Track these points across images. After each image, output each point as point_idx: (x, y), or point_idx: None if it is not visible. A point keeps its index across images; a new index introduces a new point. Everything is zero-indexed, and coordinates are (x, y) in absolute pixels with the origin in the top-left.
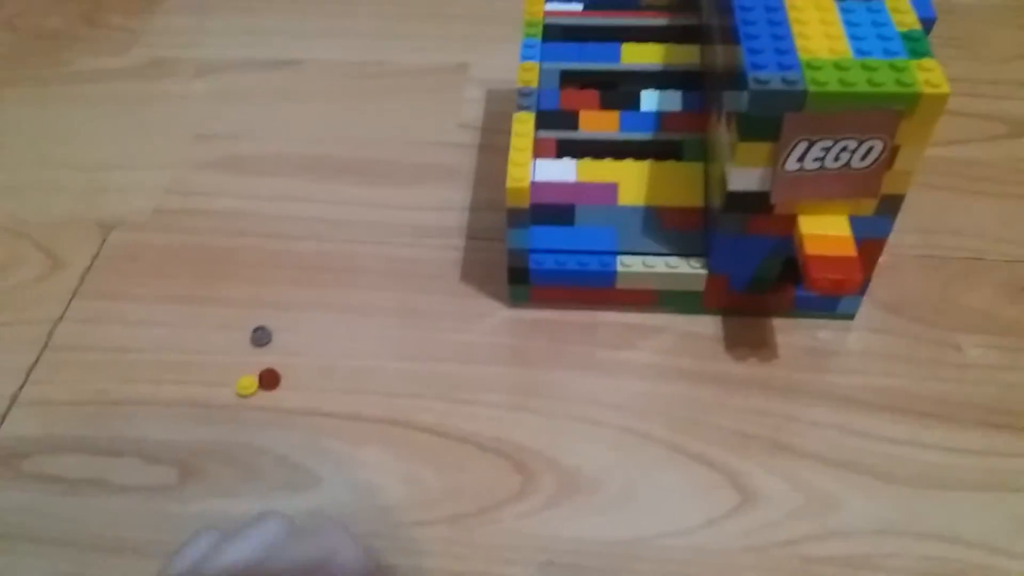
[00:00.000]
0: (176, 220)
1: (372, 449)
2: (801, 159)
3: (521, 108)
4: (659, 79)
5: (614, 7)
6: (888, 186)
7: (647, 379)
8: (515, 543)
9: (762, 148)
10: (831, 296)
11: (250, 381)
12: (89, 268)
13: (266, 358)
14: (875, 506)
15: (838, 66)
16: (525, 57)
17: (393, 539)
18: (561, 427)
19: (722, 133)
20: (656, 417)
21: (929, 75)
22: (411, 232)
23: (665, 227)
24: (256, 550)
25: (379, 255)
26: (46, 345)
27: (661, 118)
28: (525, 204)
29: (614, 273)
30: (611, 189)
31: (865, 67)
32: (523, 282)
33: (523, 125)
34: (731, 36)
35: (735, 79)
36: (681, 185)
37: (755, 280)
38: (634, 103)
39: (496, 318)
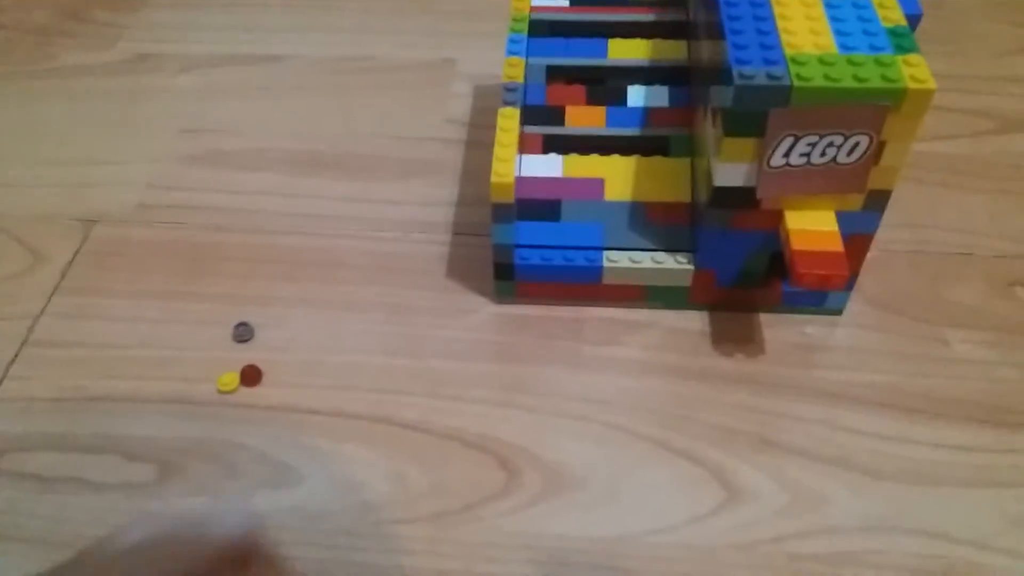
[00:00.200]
0: (159, 215)
1: (355, 446)
2: (787, 155)
3: (506, 103)
4: (646, 75)
5: (601, 3)
6: (875, 182)
7: (633, 375)
8: (499, 541)
9: (748, 144)
10: (818, 291)
11: (232, 377)
12: (71, 263)
13: (248, 354)
14: (862, 502)
15: (823, 61)
16: (511, 52)
17: (375, 537)
18: (546, 423)
19: (708, 129)
20: (642, 413)
21: (915, 70)
22: (396, 227)
23: (652, 222)
24: None
25: (364, 250)
26: (26, 340)
27: (648, 114)
28: (510, 199)
29: (600, 269)
30: (597, 184)
31: (850, 62)
32: (509, 278)
33: (508, 120)
34: (716, 31)
35: (720, 74)
36: (668, 181)
37: (742, 275)
38: (621, 99)
39: (482, 314)
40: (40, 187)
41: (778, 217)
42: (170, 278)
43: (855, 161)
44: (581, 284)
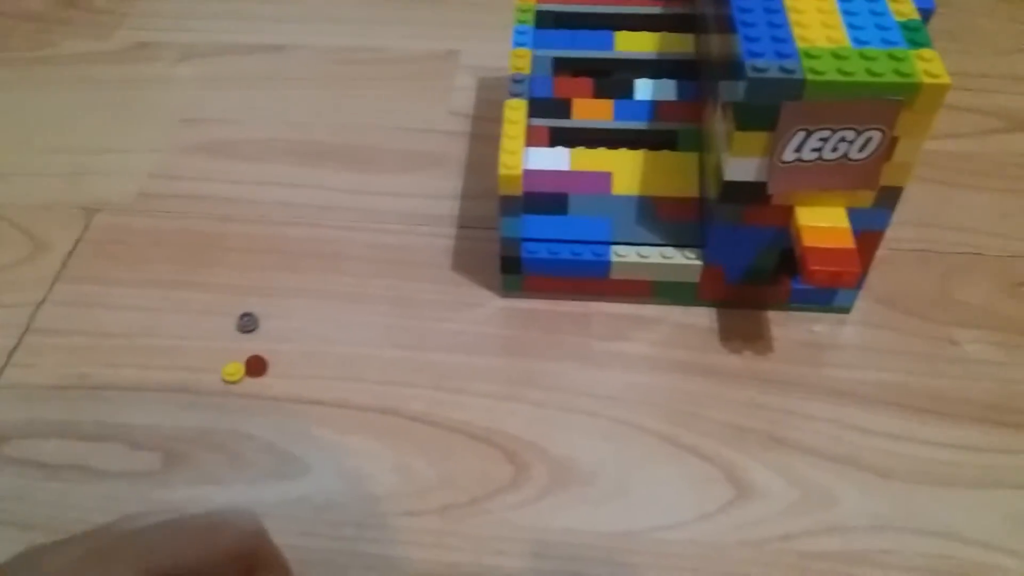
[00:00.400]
0: (161, 204)
1: (361, 437)
2: (798, 149)
3: (513, 95)
4: (653, 68)
5: None
6: (887, 178)
7: (641, 371)
8: (507, 534)
9: (759, 138)
10: (827, 289)
11: (236, 367)
12: (72, 252)
13: (253, 344)
14: (872, 502)
15: (836, 55)
16: (517, 43)
17: (383, 528)
18: (554, 418)
19: (718, 123)
20: (650, 409)
21: (928, 65)
22: (401, 219)
23: (660, 217)
24: None
25: (368, 242)
26: (27, 328)
27: (656, 107)
28: (517, 192)
29: (608, 263)
30: (605, 178)
31: (864, 56)
32: (515, 271)
33: (515, 112)
34: (727, 25)
35: (732, 68)
36: (676, 175)
37: (751, 272)
38: (628, 92)
39: (488, 308)
40: (41, 175)
41: (788, 213)
42: (173, 267)
43: (867, 157)
44: (588, 279)
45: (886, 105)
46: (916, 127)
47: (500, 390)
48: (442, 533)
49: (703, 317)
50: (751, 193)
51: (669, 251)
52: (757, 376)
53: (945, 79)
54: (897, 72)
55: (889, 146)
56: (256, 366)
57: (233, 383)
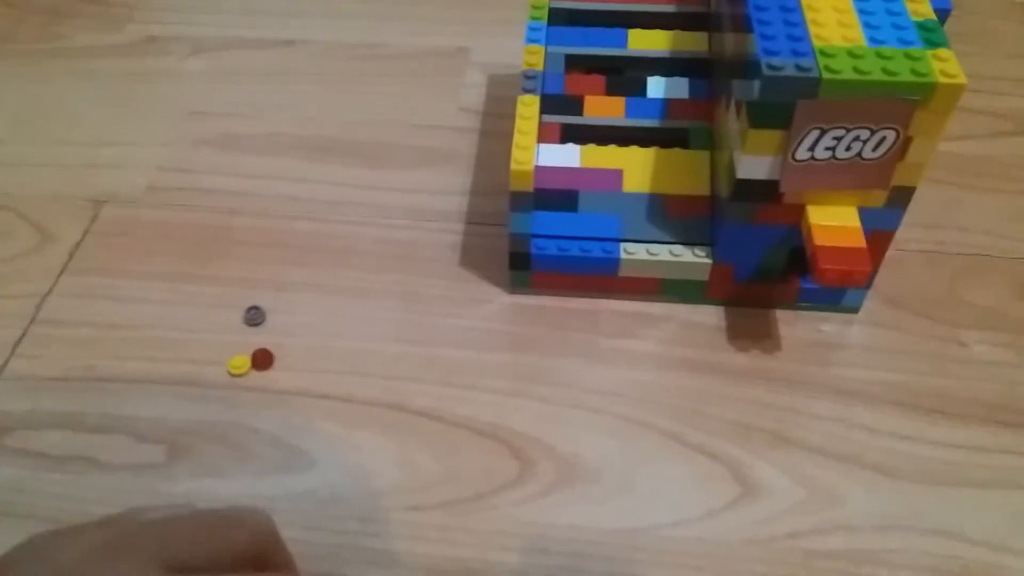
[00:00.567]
0: (169, 197)
1: (367, 432)
2: (812, 148)
3: (526, 91)
4: (666, 66)
5: None
6: (899, 178)
7: (648, 368)
8: (513, 530)
9: (773, 136)
10: (836, 288)
11: (243, 360)
12: (79, 243)
13: (259, 338)
14: (879, 501)
15: (852, 54)
16: (530, 40)
17: (388, 523)
18: (560, 414)
19: (731, 121)
20: (657, 407)
21: (945, 65)
22: (409, 215)
23: (670, 215)
24: None
25: (376, 237)
26: (33, 319)
27: (667, 105)
28: (529, 188)
29: (617, 260)
30: (616, 176)
31: (880, 56)
32: (524, 268)
33: (528, 108)
34: (743, 23)
35: (746, 66)
36: (687, 173)
37: (760, 270)
38: (640, 89)
39: (495, 304)
40: (49, 167)
41: (800, 212)
42: (180, 260)
43: (881, 156)
44: (597, 276)
45: (901, 104)
46: (931, 127)
47: (507, 386)
48: (446, 528)
49: (711, 315)
50: (763, 191)
51: (679, 249)
52: (764, 375)
53: (961, 79)
54: (913, 71)
55: (903, 146)
56: (262, 360)
57: (239, 376)
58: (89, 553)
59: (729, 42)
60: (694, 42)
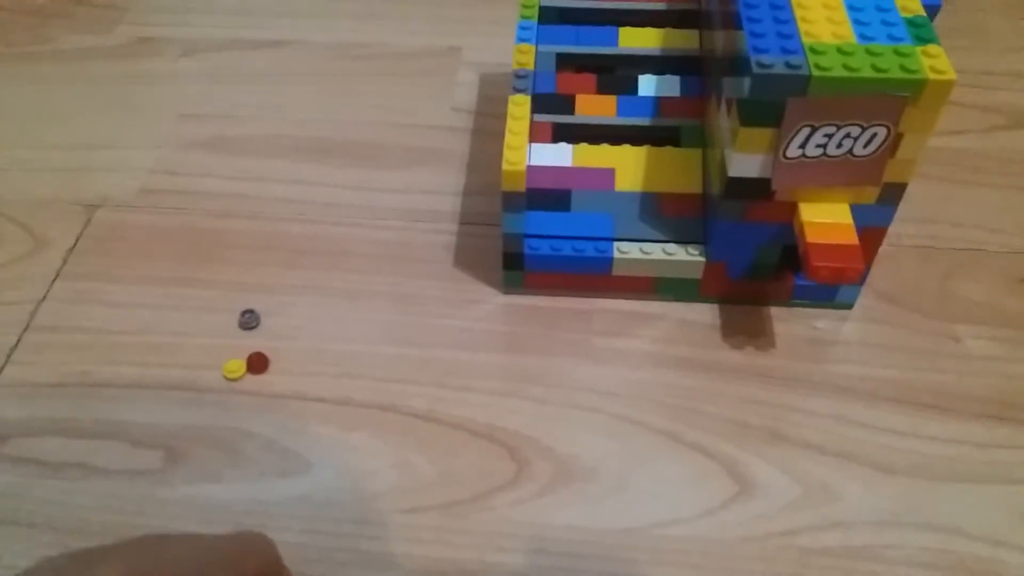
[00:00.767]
0: (162, 200)
1: (363, 434)
2: (803, 145)
3: (517, 90)
4: (657, 64)
5: None
6: (891, 174)
7: (643, 367)
8: (508, 531)
9: (764, 134)
10: (830, 285)
11: (238, 364)
12: (73, 248)
13: (254, 341)
14: (875, 497)
15: (842, 51)
16: (521, 39)
17: (385, 526)
18: (555, 414)
19: (722, 119)
20: (652, 405)
21: (934, 61)
22: (402, 216)
23: (663, 213)
24: None
25: (370, 239)
26: (28, 326)
27: (659, 103)
28: (521, 188)
29: (610, 259)
30: (608, 175)
31: (869, 52)
32: (517, 268)
33: (519, 108)
34: (733, 21)
35: (737, 64)
36: (679, 171)
37: (753, 268)
38: (632, 88)
39: (489, 304)
40: (41, 171)
41: (792, 209)
42: (174, 264)
43: (872, 153)
44: (591, 275)
45: (891, 101)
46: (921, 123)
47: (501, 387)
48: (443, 530)
49: (705, 313)
50: (755, 189)
51: (672, 247)
52: (759, 372)
53: (950, 75)
54: (902, 68)
55: (894, 142)
56: (257, 363)
57: (234, 380)
58: None
59: (719, 40)
60: (685, 40)
